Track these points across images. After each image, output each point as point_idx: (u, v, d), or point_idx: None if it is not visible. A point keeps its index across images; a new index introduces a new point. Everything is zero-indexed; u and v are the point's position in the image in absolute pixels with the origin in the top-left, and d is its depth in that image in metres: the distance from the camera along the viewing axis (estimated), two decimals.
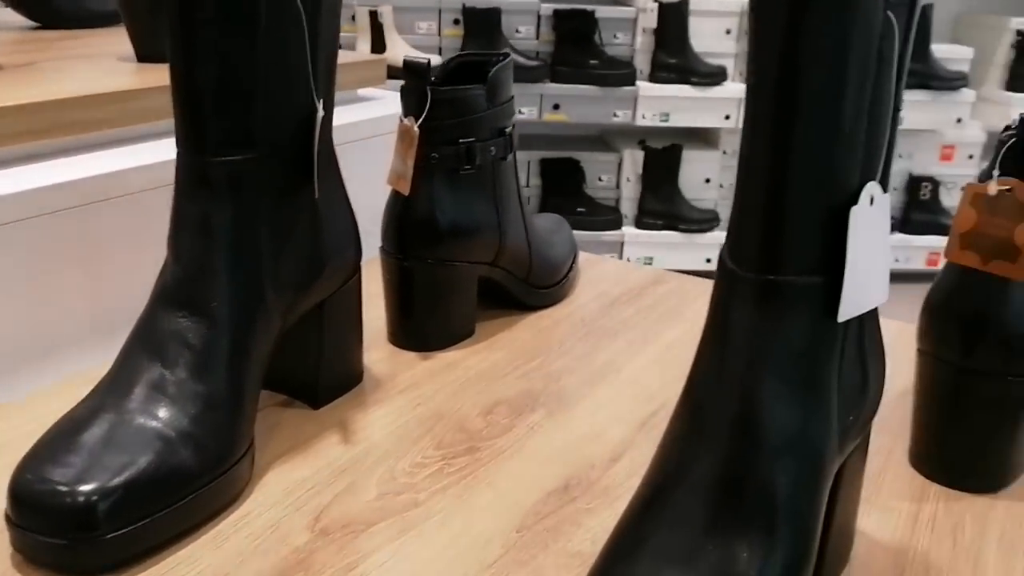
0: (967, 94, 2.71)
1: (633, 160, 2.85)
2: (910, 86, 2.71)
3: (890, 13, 0.35)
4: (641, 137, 2.91)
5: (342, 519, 0.50)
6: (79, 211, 0.64)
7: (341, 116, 0.85)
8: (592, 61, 2.73)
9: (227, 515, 0.50)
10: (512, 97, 0.73)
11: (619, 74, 2.71)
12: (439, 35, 2.73)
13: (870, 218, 0.37)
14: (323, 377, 0.61)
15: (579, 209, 2.83)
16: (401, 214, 0.68)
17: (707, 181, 2.90)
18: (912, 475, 0.57)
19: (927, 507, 0.54)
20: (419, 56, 0.65)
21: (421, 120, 0.66)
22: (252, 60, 0.49)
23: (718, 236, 2.86)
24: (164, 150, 0.69)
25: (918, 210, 2.89)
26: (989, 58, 2.83)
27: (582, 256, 0.91)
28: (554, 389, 0.66)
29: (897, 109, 0.40)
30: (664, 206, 2.85)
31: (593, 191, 2.87)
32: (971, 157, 2.88)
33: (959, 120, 2.73)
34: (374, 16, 2.63)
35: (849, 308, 0.37)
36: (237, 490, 0.51)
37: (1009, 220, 0.51)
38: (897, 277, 2.76)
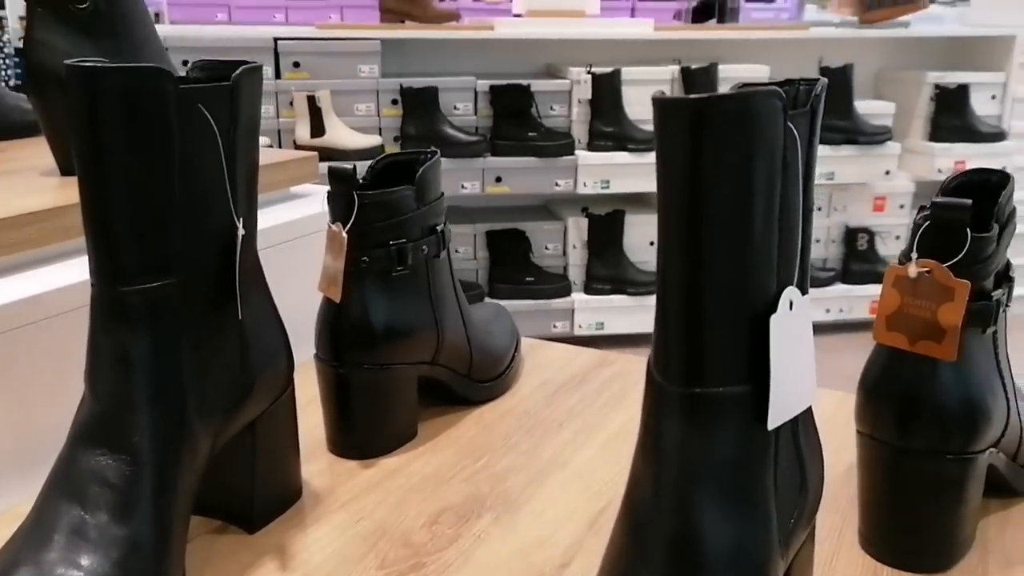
0: (892, 147, 2.79)
1: (578, 227, 2.88)
2: (839, 142, 2.80)
3: (791, 124, 0.36)
4: (584, 204, 2.94)
5: None
6: None
7: (272, 216, 0.84)
8: (531, 133, 2.77)
9: None
10: (442, 194, 0.73)
11: (558, 144, 2.75)
12: (378, 115, 2.75)
13: (790, 323, 0.37)
14: (258, 499, 0.59)
15: (527, 279, 2.84)
16: (334, 320, 0.67)
17: (651, 244, 2.93)
18: (863, 557, 0.56)
19: None
20: (343, 165, 0.65)
21: (349, 225, 0.65)
22: (166, 183, 0.49)
23: None
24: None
25: (857, 260, 2.95)
26: (911, 111, 2.93)
27: (525, 343, 0.90)
28: (500, 491, 0.65)
29: (808, 209, 0.40)
30: (611, 271, 2.87)
31: (540, 260, 2.88)
32: (902, 207, 2.96)
33: (887, 172, 2.81)
34: (312, 100, 2.64)
35: (778, 415, 0.37)
36: None
37: (931, 301, 0.51)
38: (841, 327, 2.78)
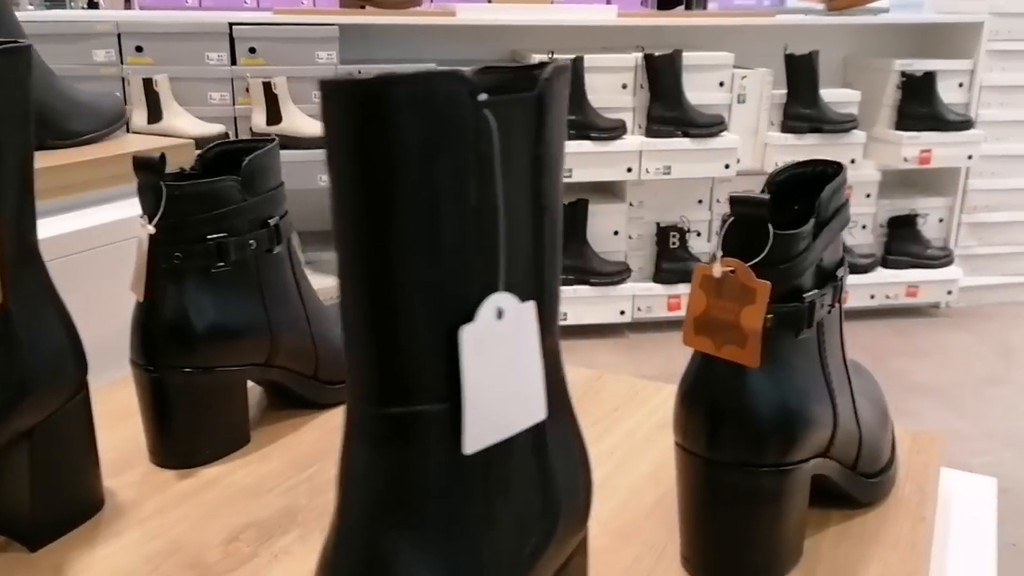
0: (858, 135, 2.74)
1: None
2: (804, 131, 2.75)
3: (487, 112, 0.31)
4: None
5: None
6: None
7: (84, 220, 0.79)
8: None
9: None
10: (281, 184, 0.69)
11: None
12: None
13: (496, 334, 0.33)
14: (39, 513, 0.55)
15: None
16: (145, 321, 0.63)
17: (615, 233, 2.90)
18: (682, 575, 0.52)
19: None
20: (149, 153, 0.61)
21: (157, 218, 0.61)
22: None
23: (630, 288, 2.85)
24: None
25: None
26: (878, 99, 2.88)
27: None
28: (318, 504, 0.60)
29: (542, 208, 0.36)
30: (574, 261, 2.82)
31: None
32: (868, 196, 2.91)
33: (853, 161, 2.76)
34: (268, 87, 2.59)
35: (477, 438, 0.33)
36: None
37: (734, 303, 0.47)
38: None
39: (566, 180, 2.75)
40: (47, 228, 0.80)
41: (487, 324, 0.33)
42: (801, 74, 2.77)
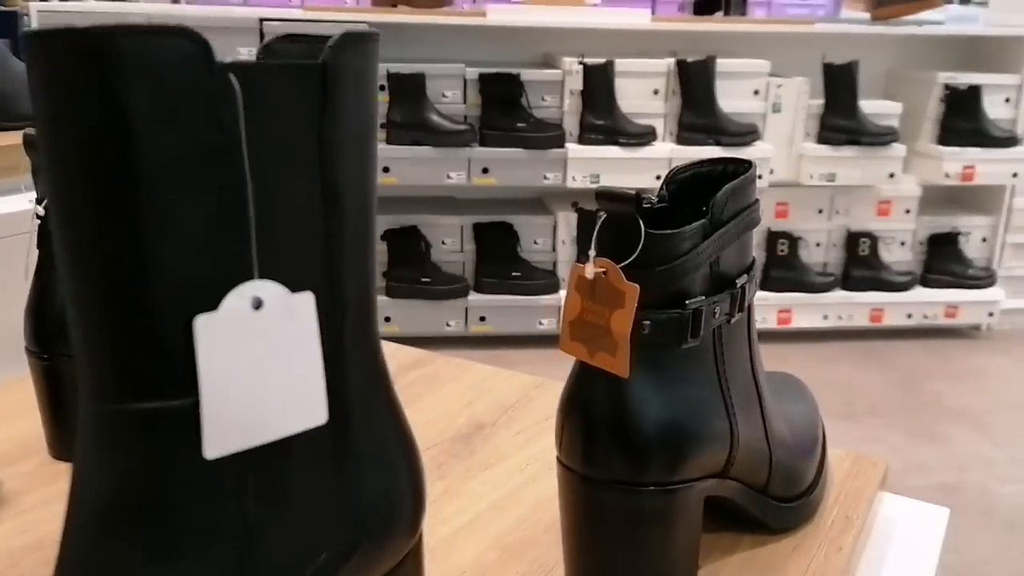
0: (898, 149, 2.65)
1: (567, 222, 2.80)
2: (841, 142, 2.67)
3: (232, 77, 0.28)
4: (575, 199, 2.86)
5: None
6: None
7: None
8: (520, 124, 2.69)
9: None
10: None
11: (548, 136, 2.67)
12: None
13: (250, 326, 0.29)
14: None
15: (514, 273, 2.76)
16: (39, 307, 0.60)
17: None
18: None
19: None
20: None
21: (45, 202, 0.58)
22: None
23: None
24: None
25: (858, 266, 2.82)
26: (920, 113, 2.78)
27: (447, 362, 0.82)
28: None
29: (335, 195, 0.32)
30: None
31: (528, 254, 2.81)
32: (908, 211, 2.82)
33: (892, 175, 2.67)
34: None
35: (221, 440, 0.29)
36: None
37: (606, 307, 0.43)
38: (839, 335, 2.66)
39: (594, 186, 2.70)
40: None
41: (236, 314, 0.29)
42: (840, 84, 2.69)
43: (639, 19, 2.77)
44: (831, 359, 2.75)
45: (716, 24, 2.85)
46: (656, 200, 0.47)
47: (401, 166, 2.65)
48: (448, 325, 2.72)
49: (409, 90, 2.67)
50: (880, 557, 0.57)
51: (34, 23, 2.47)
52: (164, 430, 0.29)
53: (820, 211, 2.87)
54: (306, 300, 0.31)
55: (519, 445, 0.65)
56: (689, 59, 2.70)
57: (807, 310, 2.83)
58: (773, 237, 2.86)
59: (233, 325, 0.29)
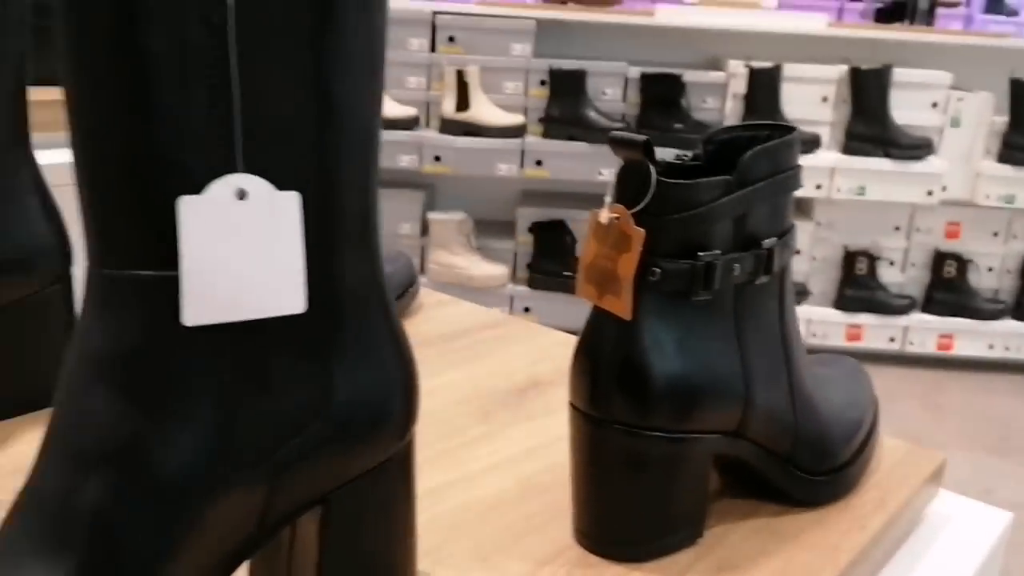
0: None
1: None
2: (1020, 162, 2.50)
3: None
4: None
5: None
6: None
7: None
8: (677, 125, 2.67)
9: None
10: None
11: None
12: (525, 95, 2.75)
13: (232, 213, 0.33)
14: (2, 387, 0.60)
15: None
16: None
17: (797, 252, 2.75)
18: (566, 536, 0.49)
19: (547, 569, 0.46)
20: None
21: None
22: None
23: (805, 311, 2.70)
24: None
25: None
26: None
27: (430, 295, 0.86)
28: None
29: (329, 105, 0.35)
30: None
31: None
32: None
33: None
34: (460, 75, 2.68)
35: (198, 311, 0.33)
36: None
37: (615, 251, 0.44)
38: (1006, 367, 2.50)
39: None
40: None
41: (219, 201, 0.32)
42: None
43: (815, 24, 2.68)
44: (992, 391, 2.58)
45: (897, 32, 2.73)
46: (690, 158, 0.48)
47: (554, 160, 2.69)
48: None
49: (569, 86, 2.70)
50: (921, 550, 0.54)
51: None
52: (151, 296, 0.33)
53: (995, 234, 2.69)
54: (290, 198, 0.34)
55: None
56: (863, 67, 2.60)
57: (971, 337, 2.66)
58: (940, 257, 2.71)
59: (215, 209, 0.32)
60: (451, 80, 2.70)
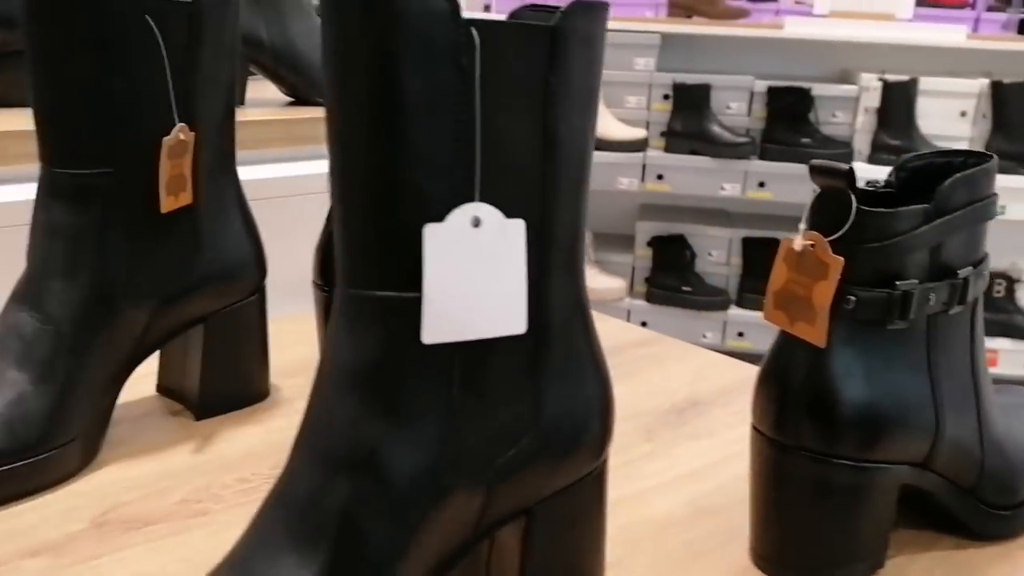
0: None
1: None
2: None
3: (473, 30, 0.33)
4: None
5: (126, 516, 0.53)
6: None
7: (316, 167, 0.89)
8: (804, 140, 2.62)
9: (34, 498, 0.54)
10: None
11: (834, 154, 2.57)
12: (648, 109, 2.74)
13: (468, 239, 0.35)
14: (205, 391, 0.64)
15: None
16: (325, 246, 0.70)
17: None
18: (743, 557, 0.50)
19: None
20: None
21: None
22: (104, 82, 0.55)
23: None
24: None
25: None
26: None
27: (676, 345, 0.85)
28: None
29: (552, 138, 0.37)
30: None
31: None
32: None
33: None
34: None
35: (437, 330, 0.35)
36: (54, 476, 0.55)
37: (810, 278, 0.44)
38: None
39: None
40: (297, 169, 0.92)
41: (458, 229, 0.35)
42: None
43: (954, 36, 2.59)
44: None
45: None
46: (882, 184, 0.48)
47: (676, 174, 2.68)
48: (704, 336, 2.70)
49: (693, 100, 2.68)
50: None
51: None
52: (394, 315, 0.35)
53: None
54: (518, 226, 0.36)
55: (731, 424, 0.66)
56: (1006, 80, 2.50)
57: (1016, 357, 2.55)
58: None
59: (455, 236, 0.34)
60: None
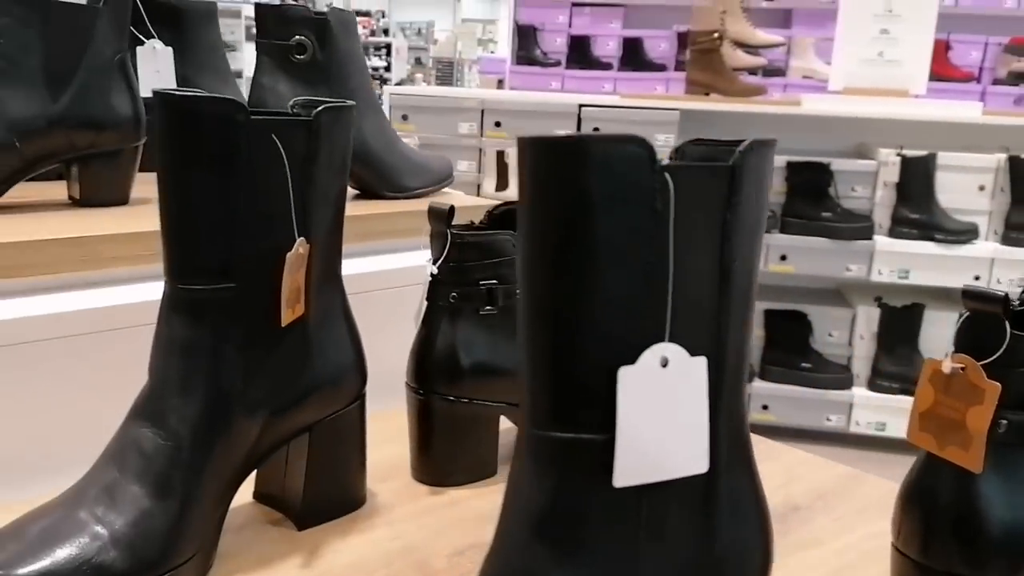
0: None
1: (868, 317, 2.69)
2: None
3: (667, 175, 0.34)
4: (878, 293, 2.74)
5: None
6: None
7: (389, 262, 0.90)
8: (825, 213, 2.65)
9: None
10: None
11: (854, 227, 2.60)
12: None
13: (657, 380, 0.35)
14: (309, 500, 0.64)
15: (803, 364, 2.69)
16: (421, 350, 0.71)
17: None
18: None
19: None
20: (442, 204, 0.69)
21: (439, 261, 0.69)
22: (230, 200, 0.56)
23: None
24: None
25: None
26: None
27: (761, 442, 0.83)
28: None
29: (727, 272, 0.37)
30: (902, 368, 2.64)
31: (821, 347, 2.72)
32: None
33: None
34: (500, 156, 2.74)
35: (628, 472, 0.35)
36: None
37: (961, 402, 0.44)
38: None
39: (902, 282, 2.59)
40: (370, 264, 0.93)
41: (649, 370, 0.35)
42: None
43: (969, 112, 2.64)
44: None
45: None
46: (1020, 300, 0.48)
47: None
48: None
49: None
50: None
51: (386, 104, 2.80)
52: (581, 458, 0.35)
53: None
54: (700, 363, 0.36)
55: (836, 531, 0.66)
56: (1022, 155, 2.53)
57: None
58: None
59: (646, 378, 0.35)
60: (491, 163, 2.75)
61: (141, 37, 0.95)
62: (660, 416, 0.35)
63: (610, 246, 0.34)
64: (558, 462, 0.36)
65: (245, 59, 7.74)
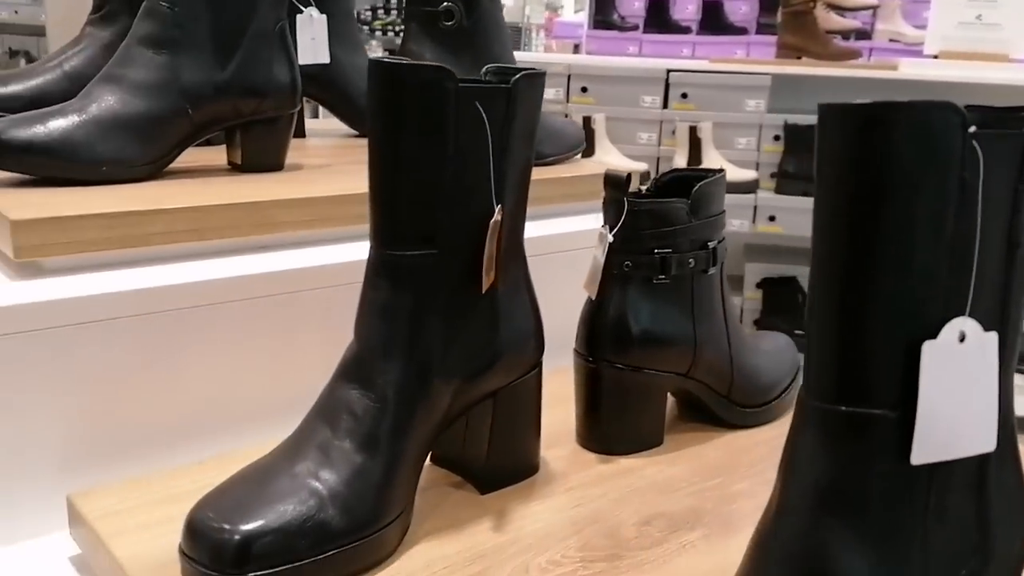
0: None
1: None
2: None
3: (976, 143, 0.33)
4: None
5: None
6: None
7: (546, 228, 0.90)
8: None
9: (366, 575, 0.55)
10: (722, 212, 0.74)
11: None
12: (758, 150, 2.73)
13: (956, 356, 0.34)
14: (491, 465, 0.65)
15: None
16: (593, 318, 0.71)
17: None
18: None
19: None
20: (619, 169, 0.69)
21: (616, 229, 0.69)
22: (438, 168, 0.56)
23: None
24: None
25: None
26: None
27: None
28: (724, 511, 0.64)
29: (1016, 244, 0.36)
30: None
31: None
32: None
33: None
34: (693, 131, 2.70)
35: (926, 450, 0.34)
36: (381, 555, 0.56)
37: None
38: None
39: None
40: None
41: (948, 345, 0.34)
42: None
43: None
44: None
45: None
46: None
47: (788, 216, 2.65)
48: None
49: (805, 141, 2.66)
50: None
51: None
52: (871, 433, 0.35)
53: None
54: (992, 339, 0.36)
55: None
56: None
57: None
58: None
59: (946, 352, 0.34)
60: (683, 136, 2.72)
61: (299, 6, 0.96)
62: (957, 392, 0.35)
63: (918, 217, 0.33)
64: (847, 437, 0.35)
65: None
